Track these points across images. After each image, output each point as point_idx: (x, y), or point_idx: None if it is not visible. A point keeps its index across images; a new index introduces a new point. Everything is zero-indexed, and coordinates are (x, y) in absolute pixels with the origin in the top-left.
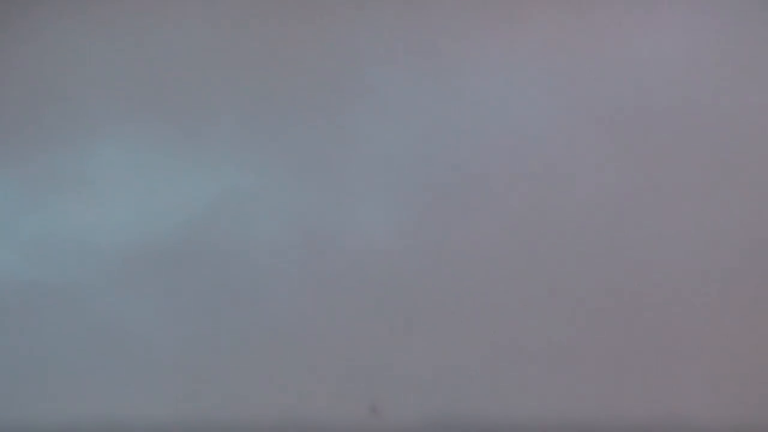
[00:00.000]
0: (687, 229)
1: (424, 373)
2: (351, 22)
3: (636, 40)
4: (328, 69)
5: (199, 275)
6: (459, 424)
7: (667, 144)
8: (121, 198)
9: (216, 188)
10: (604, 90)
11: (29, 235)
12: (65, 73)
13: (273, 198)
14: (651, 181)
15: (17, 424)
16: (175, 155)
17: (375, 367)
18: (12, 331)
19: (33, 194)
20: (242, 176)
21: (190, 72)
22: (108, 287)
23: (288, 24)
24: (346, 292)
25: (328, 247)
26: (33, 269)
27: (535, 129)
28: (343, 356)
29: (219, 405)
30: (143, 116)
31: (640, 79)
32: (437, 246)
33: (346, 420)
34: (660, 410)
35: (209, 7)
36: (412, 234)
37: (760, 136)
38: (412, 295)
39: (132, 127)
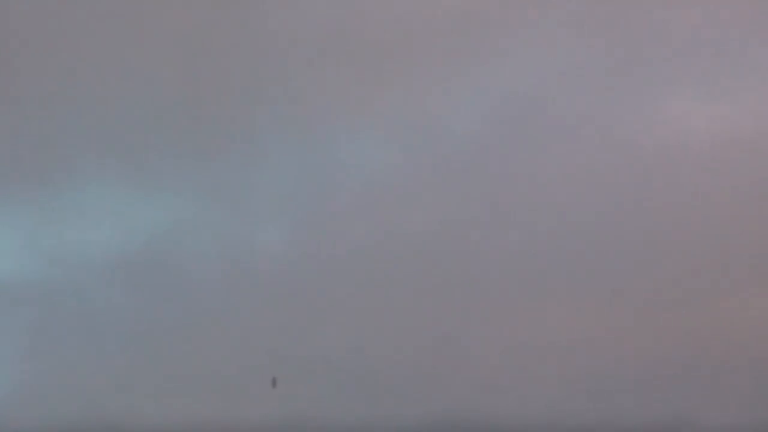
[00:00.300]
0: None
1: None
2: (253, 92)
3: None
4: (242, 133)
5: (153, 277)
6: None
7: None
8: (100, 221)
9: (162, 213)
10: (433, 146)
11: (40, 248)
12: (54, 127)
13: (202, 220)
14: (470, 210)
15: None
16: (137, 189)
17: (280, 348)
18: (25, 314)
19: (42, 219)
20: (181, 204)
21: (146, 123)
22: (92, 286)
23: (216, 94)
24: (255, 290)
25: (241, 256)
26: (42, 270)
27: (382, 170)
28: (253, 339)
29: (167, 374)
30: (113, 158)
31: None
32: (319, 254)
33: (255, 388)
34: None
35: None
36: (304, 245)
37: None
38: (304, 293)
39: (106, 168)
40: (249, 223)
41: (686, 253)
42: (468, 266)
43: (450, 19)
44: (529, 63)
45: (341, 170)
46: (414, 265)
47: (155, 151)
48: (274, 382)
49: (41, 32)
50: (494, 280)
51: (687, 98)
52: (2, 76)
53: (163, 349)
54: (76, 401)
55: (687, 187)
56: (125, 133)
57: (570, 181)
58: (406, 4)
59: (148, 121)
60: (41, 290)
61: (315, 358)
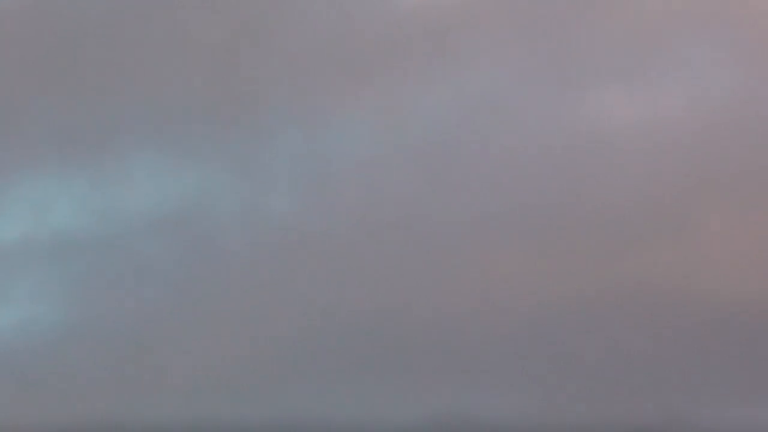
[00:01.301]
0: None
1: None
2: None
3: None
4: (258, 117)
5: (185, 232)
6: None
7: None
8: (141, 185)
9: (193, 179)
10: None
11: (90, 207)
12: (104, 106)
13: (225, 186)
14: (439, 181)
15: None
16: (172, 158)
17: (282, 290)
18: (77, 262)
19: (92, 182)
20: (208, 172)
21: (181, 106)
22: (134, 239)
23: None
24: (267, 242)
25: (256, 214)
26: (92, 226)
27: (368, 149)
28: (263, 281)
29: (197, 314)
30: (152, 132)
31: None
32: (319, 214)
33: (265, 330)
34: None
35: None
36: (307, 207)
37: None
38: (305, 246)
39: (147, 140)
40: (262, 187)
41: (610, 215)
42: (438, 225)
43: (423, 31)
44: (483, 65)
45: (337, 149)
46: (394, 223)
47: (187, 128)
48: None
49: (101, 37)
50: (459, 236)
51: (614, 90)
52: (67, 67)
53: (193, 292)
54: (120, 338)
55: (611, 162)
56: (163, 114)
57: (517, 157)
58: (387, 20)
59: (183, 104)
60: (91, 242)
61: (310, 301)
